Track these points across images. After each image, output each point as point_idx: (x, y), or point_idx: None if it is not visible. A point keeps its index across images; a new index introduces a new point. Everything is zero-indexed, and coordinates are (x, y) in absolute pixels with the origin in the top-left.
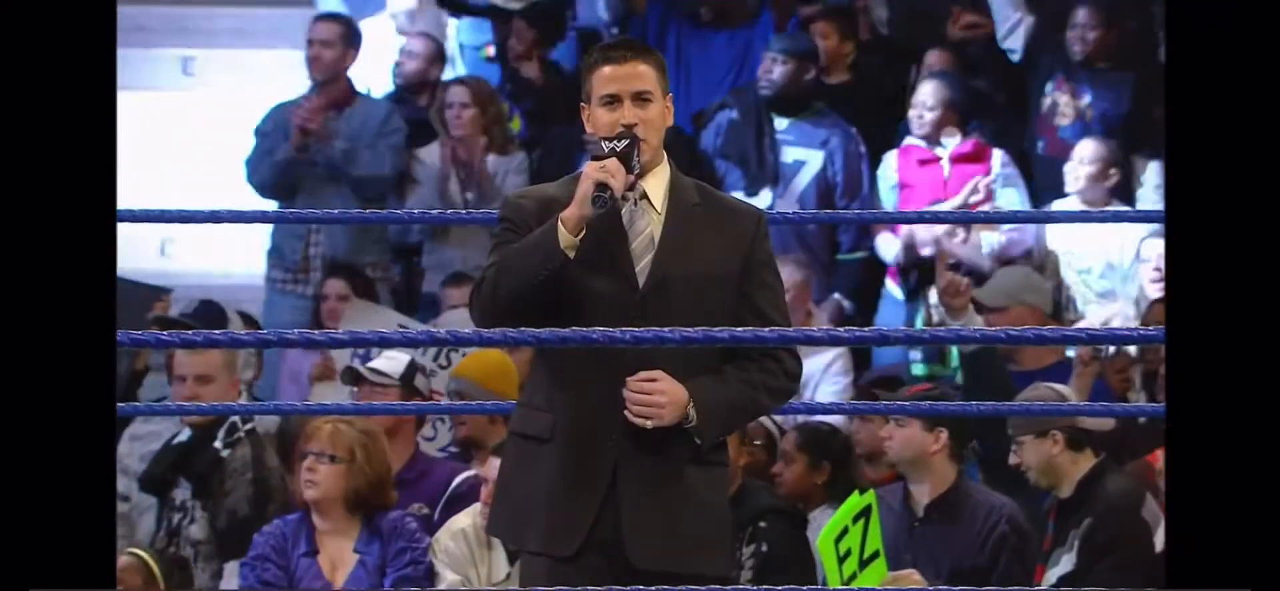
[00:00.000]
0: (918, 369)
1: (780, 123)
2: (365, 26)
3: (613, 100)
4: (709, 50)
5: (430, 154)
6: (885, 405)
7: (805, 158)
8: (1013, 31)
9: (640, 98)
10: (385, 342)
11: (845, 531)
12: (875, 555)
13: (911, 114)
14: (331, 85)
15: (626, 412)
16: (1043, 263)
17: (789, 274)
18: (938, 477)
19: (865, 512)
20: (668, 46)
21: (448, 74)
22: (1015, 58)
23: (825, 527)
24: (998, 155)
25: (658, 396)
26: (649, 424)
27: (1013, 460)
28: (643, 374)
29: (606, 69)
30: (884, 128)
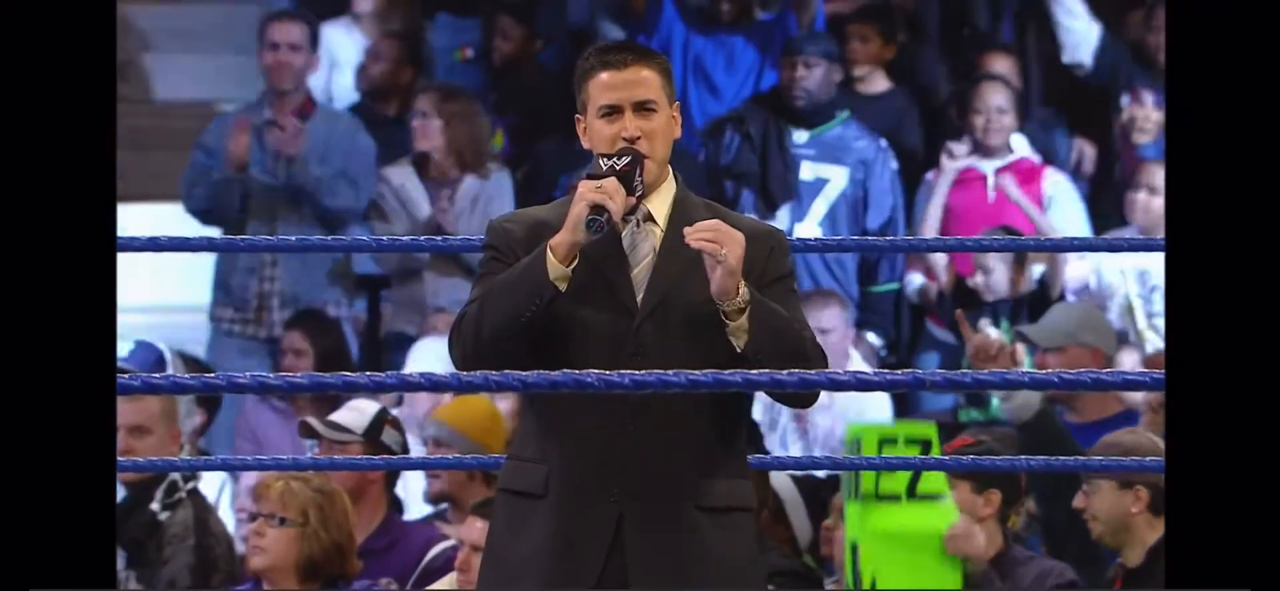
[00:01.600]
0: (970, 414)
1: (799, 135)
2: (326, 30)
3: (612, 111)
4: (722, 53)
5: (400, 174)
6: (920, 461)
7: (828, 175)
8: (1081, 38)
9: (643, 107)
10: (350, 388)
11: (895, 441)
12: (936, 495)
13: (976, 121)
14: (290, 95)
15: (690, 237)
16: (1105, 297)
17: (831, 315)
18: (983, 546)
19: (926, 444)
20: (674, 49)
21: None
22: (1085, 67)
23: (869, 425)
24: (1051, 174)
25: (731, 245)
26: (722, 251)
27: (1077, 503)
28: (709, 221)
29: (604, 75)
30: (926, 142)
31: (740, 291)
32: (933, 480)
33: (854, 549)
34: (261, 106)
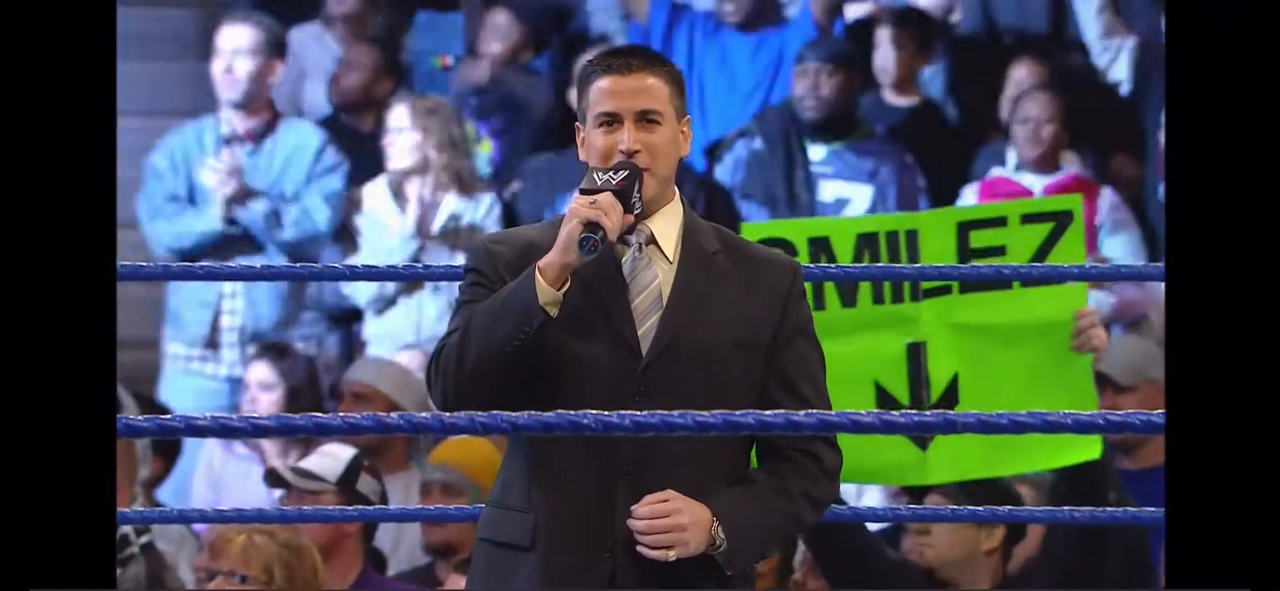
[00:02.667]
0: None
1: (816, 151)
2: (295, 36)
3: (611, 120)
4: (731, 60)
5: (375, 194)
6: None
7: (849, 194)
8: (1115, 55)
9: (646, 118)
10: (321, 431)
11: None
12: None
13: (1018, 131)
14: (251, 108)
15: (641, 549)
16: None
17: None
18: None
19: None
20: (676, 55)
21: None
22: (1122, 87)
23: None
24: (1107, 194)
25: (677, 519)
26: (671, 555)
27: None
28: (651, 497)
29: (605, 81)
30: (962, 157)
31: (716, 541)
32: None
33: (916, 349)
34: (215, 119)
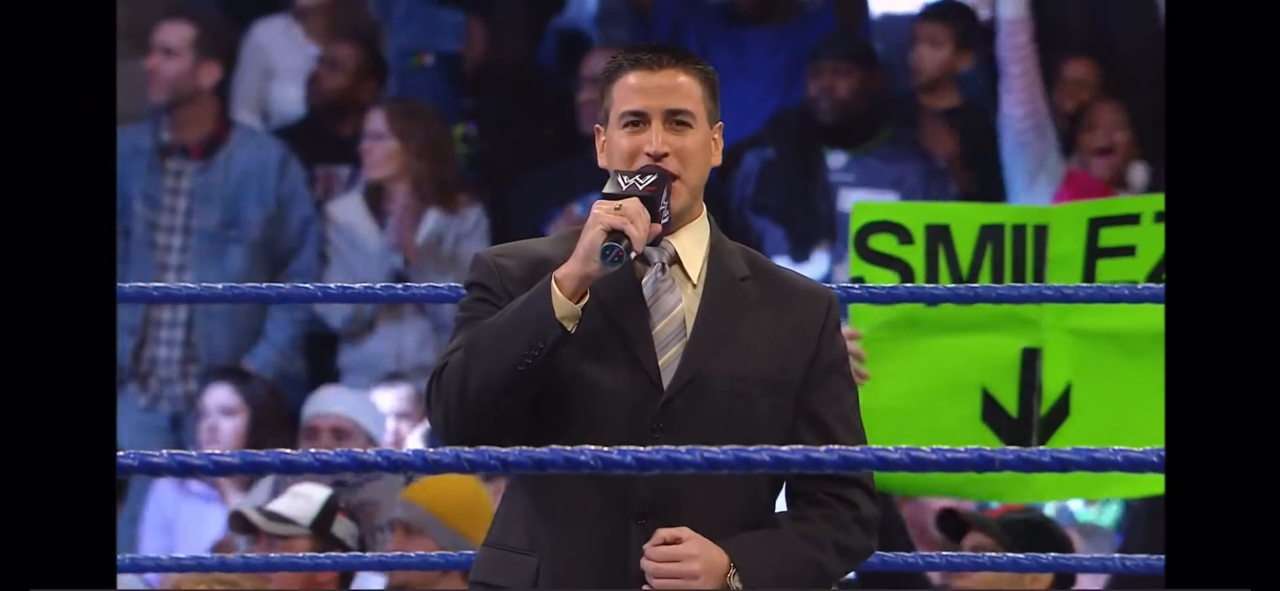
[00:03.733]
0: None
1: (836, 158)
2: (259, 32)
3: (638, 119)
4: (745, 60)
5: (348, 208)
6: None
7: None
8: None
9: (677, 119)
10: (291, 469)
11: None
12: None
13: (1087, 141)
14: (187, 113)
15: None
16: None
17: None
18: None
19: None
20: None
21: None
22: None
23: (1085, 204)
24: None
25: (688, 564)
26: None
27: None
28: (664, 533)
29: (632, 78)
30: (1003, 165)
31: (729, 588)
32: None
33: (1032, 355)
34: (158, 127)
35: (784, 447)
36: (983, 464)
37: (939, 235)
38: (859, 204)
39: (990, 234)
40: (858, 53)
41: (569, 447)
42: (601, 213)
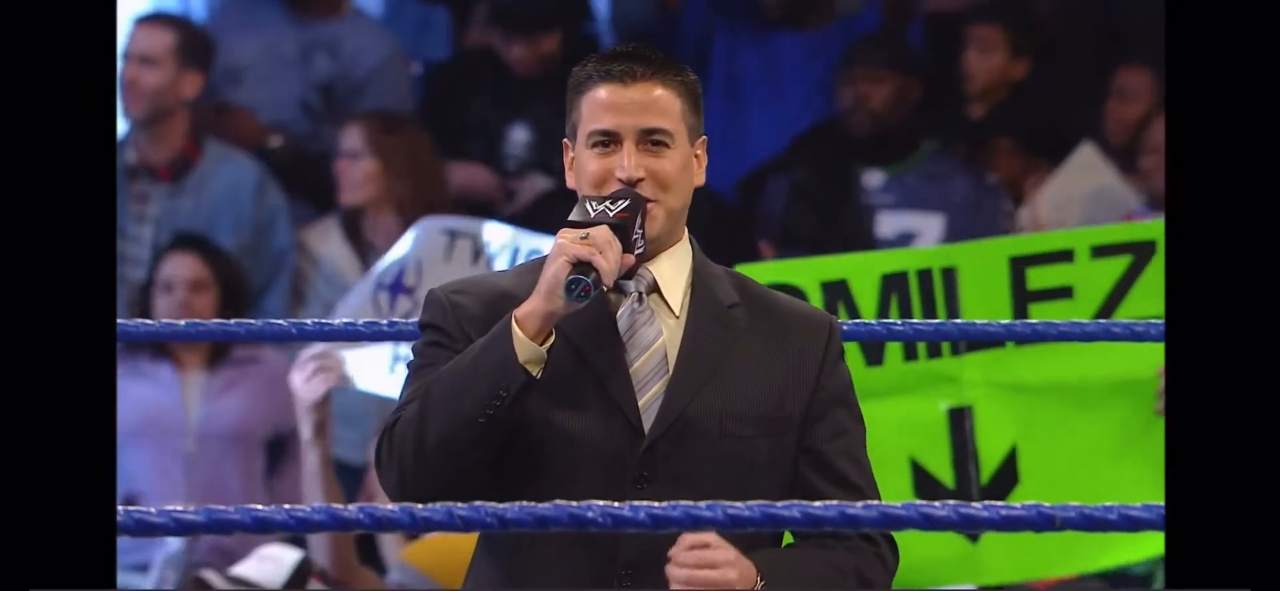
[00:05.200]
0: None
1: (872, 176)
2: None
3: (608, 139)
4: (775, 67)
5: (326, 237)
6: None
7: (916, 227)
8: None
9: (652, 138)
10: (264, 528)
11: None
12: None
13: (1147, 163)
14: (158, 130)
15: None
16: None
17: None
18: None
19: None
20: (712, 62)
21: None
22: None
23: (1004, 240)
24: None
25: (725, 570)
26: None
27: None
28: (689, 538)
29: (602, 91)
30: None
31: None
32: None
33: (960, 416)
34: (124, 145)
35: (779, 504)
36: (1003, 524)
37: (836, 292)
38: (745, 266)
39: (893, 284)
40: (893, 58)
41: (544, 506)
42: (566, 243)
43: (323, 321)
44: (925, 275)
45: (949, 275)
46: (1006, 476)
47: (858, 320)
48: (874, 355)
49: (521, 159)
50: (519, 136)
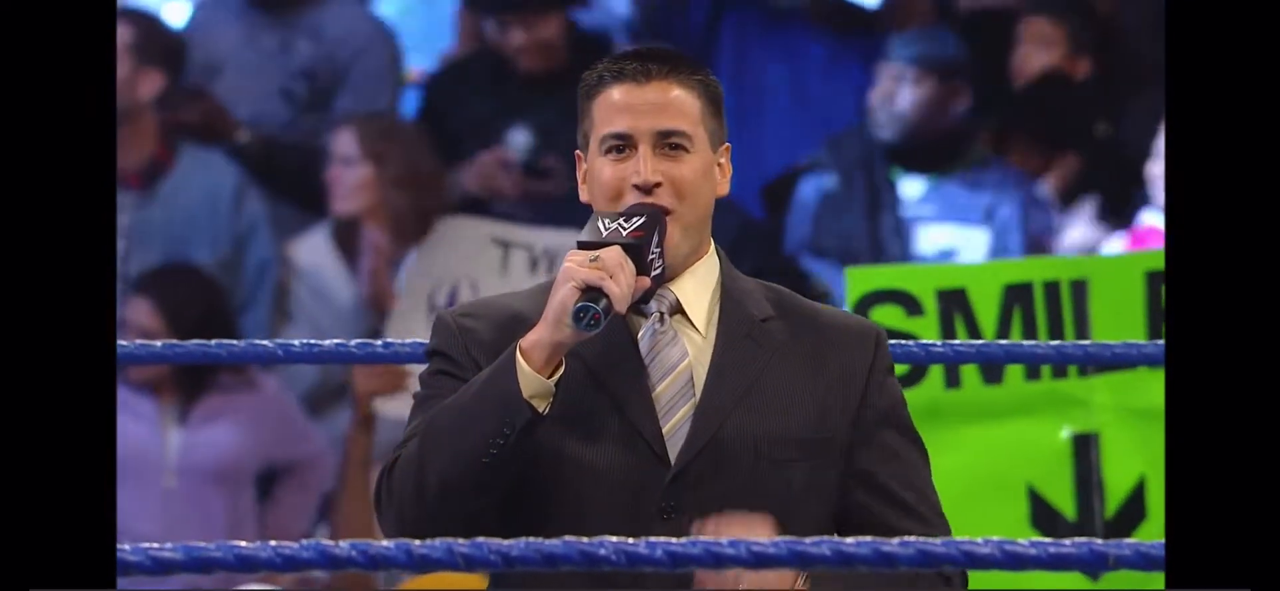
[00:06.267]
0: None
1: (910, 185)
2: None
3: (622, 144)
4: (800, 64)
5: (314, 248)
6: None
7: (958, 241)
8: None
9: (669, 142)
10: (248, 566)
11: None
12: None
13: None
14: (120, 134)
15: None
16: None
17: None
18: None
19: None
20: (721, 57)
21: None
22: None
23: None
24: None
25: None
26: None
27: None
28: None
29: (616, 92)
30: (1123, 195)
31: None
32: None
33: (1086, 443)
34: None
35: (809, 539)
36: (1094, 560)
37: (954, 301)
38: (853, 271)
39: (1016, 295)
40: (935, 57)
41: (586, 539)
42: (574, 266)
43: (311, 342)
44: (1052, 288)
45: (1078, 289)
46: (1133, 511)
47: (972, 341)
48: (992, 373)
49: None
50: (520, 139)
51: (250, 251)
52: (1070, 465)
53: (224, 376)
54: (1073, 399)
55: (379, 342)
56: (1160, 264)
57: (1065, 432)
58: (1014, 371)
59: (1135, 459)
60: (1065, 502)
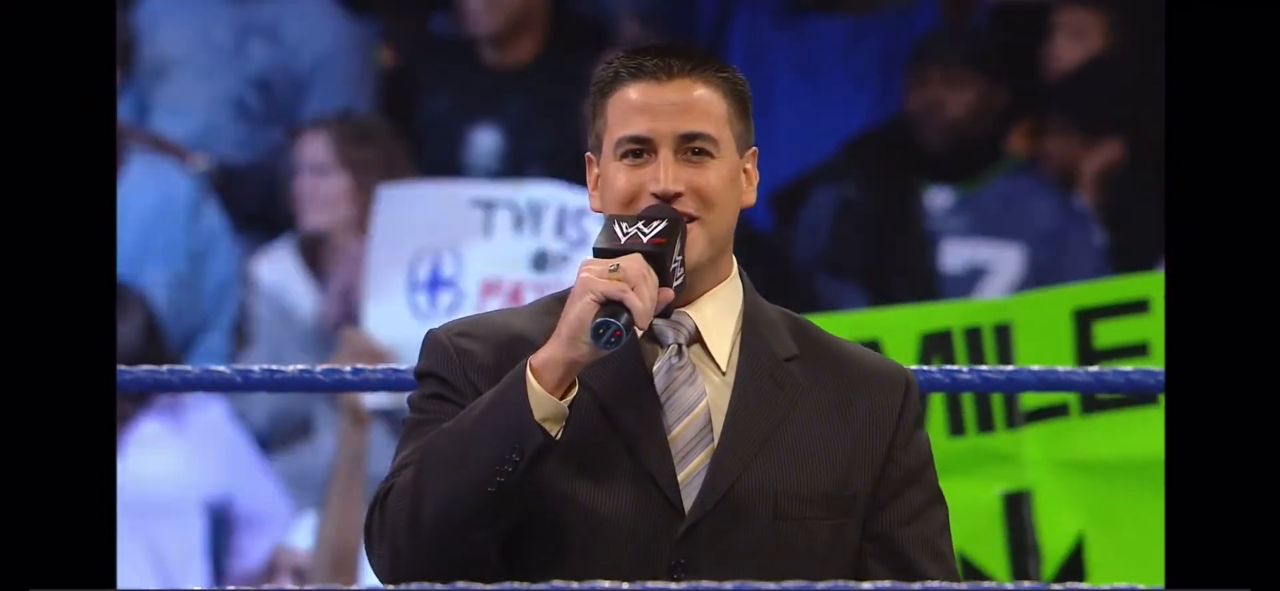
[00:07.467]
0: None
1: (938, 195)
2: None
3: (639, 147)
4: (810, 63)
5: (277, 265)
6: None
7: (990, 260)
8: None
9: (692, 146)
10: None
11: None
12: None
13: None
14: None
15: None
16: None
17: None
18: None
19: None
20: (732, 48)
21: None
22: None
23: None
24: None
25: None
26: None
27: None
28: None
29: (632, 91)
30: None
31: None
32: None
33: (1016, 501)
34: None
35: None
36: None
37: None
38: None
39: (934, 345)
40: (973, 56)
41: (577, 585)
42: (592, 277)
43: (272, 368)
44: (974, 334)
45: (1002, 333)
46: (1072, 571)
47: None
48: None
49: (489, 167)
50: (486, 141)
51: (208, 270)
52: (1001, 526)
53: (161, 400)
54: (1001, 455)
55: (348, 369)
56: (1087, 300)
57: (996, 491)
58: (936, 426)
59: (1072, 515)
60: (998, 567)
